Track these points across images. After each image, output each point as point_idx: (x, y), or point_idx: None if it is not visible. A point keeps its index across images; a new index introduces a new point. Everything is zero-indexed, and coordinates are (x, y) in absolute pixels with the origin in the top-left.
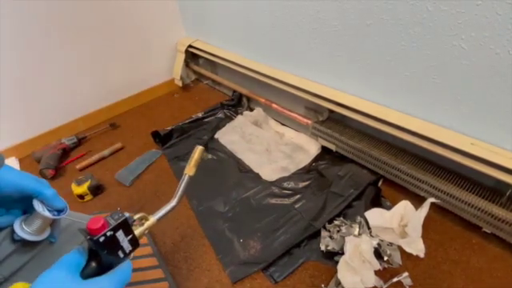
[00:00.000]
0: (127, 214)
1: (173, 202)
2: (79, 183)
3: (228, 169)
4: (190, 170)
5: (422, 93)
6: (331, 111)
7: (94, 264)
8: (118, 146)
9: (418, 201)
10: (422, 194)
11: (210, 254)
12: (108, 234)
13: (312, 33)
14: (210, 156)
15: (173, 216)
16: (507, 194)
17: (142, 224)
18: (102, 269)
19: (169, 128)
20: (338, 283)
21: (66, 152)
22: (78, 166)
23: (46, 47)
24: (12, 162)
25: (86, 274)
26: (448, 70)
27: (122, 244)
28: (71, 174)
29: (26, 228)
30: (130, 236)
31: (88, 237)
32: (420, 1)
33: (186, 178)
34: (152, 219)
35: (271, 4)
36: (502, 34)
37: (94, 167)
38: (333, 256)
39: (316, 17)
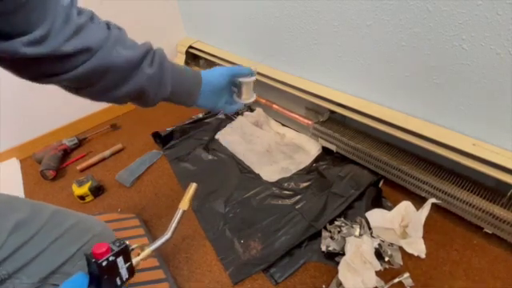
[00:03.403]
0: (128, 242)
1: (167, 235)
2: (80, 184)
3: (228, 169)
4: (184, 204)
5: (422, 93)
6: (332, 112)
7: None
8: (118, 146)
9: (418, 201)
10: (423, 194)
11: (210, 255)
12: (110, 258)
13: (312, 33)
14: (210, 157)
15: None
16: (508, 194)
17: (138, 254)
18: None
19: (169, 129)
20: (339, 284)
21: (66, 153)
22: (79, 167)
23: None
24: (13, 163)
25: None
26: (448, 70)
27: (120, 271)
28: (72, 175)
29: (245, 97)
30: (128, 264)
31: (93, 260)
32: (420, 1)
33: (180, 213)
34: (147, 250)
35: (271, 5)
36: (502, 34)
37: (94, 168)
38: (334, 257)
39: (316, 17)
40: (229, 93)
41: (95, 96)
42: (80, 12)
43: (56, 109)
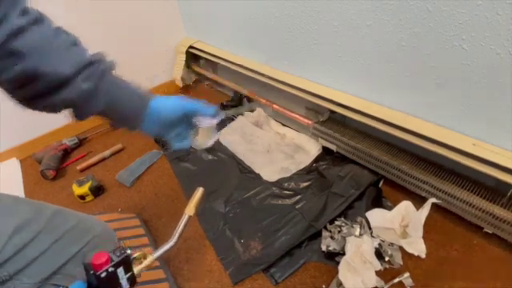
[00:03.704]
0: (129, 251)
1: (171, 242)
2: (80, 184)
3: (229, 169)
4: (190, 210)
5: (422, 93)
6: (332, 112)
7: None
8: (118, 146)
9: (419, 201)
10: (423, 194)
11: (210, 255)
12: (110, 269)
13: (312, 33)
14: (210, 157)
15: (173, 216)
16: (508, 194)
17: (141, 262)
18: None
19: None
20: (339, 284)
21: (66, 153)
22: (79, 167)
23: None
24: (13, 163)
25: None
26: (449, 70)
27: (121, 281)
28: (72, 175)
29: (200, 141)
30: (130, 274)
31: (91, 272)
32: (420, 1)
33: (185, 218)
34: (150, 258)
35: (271, 5)
36: (502, 34)
37: (94, 168)
38: (334, 256)
39: (316, 17)
40: (183, 126)
41: (23, 102)
42: (25, 12)
43: None
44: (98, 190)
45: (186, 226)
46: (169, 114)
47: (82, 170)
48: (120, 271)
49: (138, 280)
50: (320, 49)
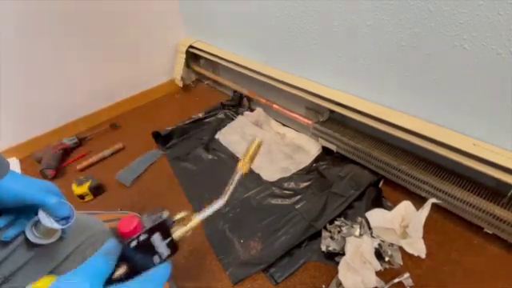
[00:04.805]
0: (166, 216)
1: (221, 201)
2: (80, 183)
3: (229, 169)
4: (244, 166)
5: (423, 93)
6: (332, 111)
7: (123, 268)
8: (118, 146)
9: (419, 201)
10: (423, 194)
11: (210, 255)
12: (141, 238)
13: (312, 33)
14: (210, 156)
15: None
16: (509, 194)
17: (184, 224)
18: (134, 273)
19: (169, 128)
20: (339, 284)
21: (66, 152)
22: (79, 167)
23: (47, 47)
24: (13, 163)
25: (115, 278)
26: (449, 70)
27: (157, 249)
28: (72, 175)
29: (36, 233)
30: (169, 240)
31: (118, 240)
32: (421, 1)
33: (238, 176)
34: (196, 219)
35: (272, 5)
36: (503, 35)
37: (94, 167)
38: (334, 257)
39: (316, 17)
40: (22, 216)
41: None
42: None
43: (56, 108)
44: (97, 190)
45: (237, 183)
46: (5, 200)
47: (82, 170)
48: (156, 238)
49: (182, 241)
50: (320, 49)
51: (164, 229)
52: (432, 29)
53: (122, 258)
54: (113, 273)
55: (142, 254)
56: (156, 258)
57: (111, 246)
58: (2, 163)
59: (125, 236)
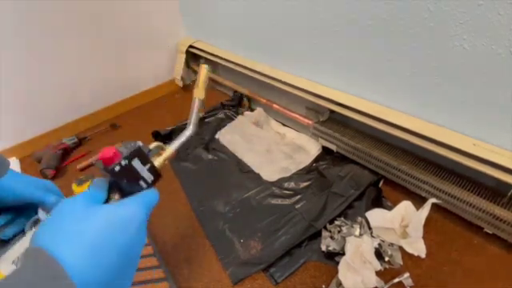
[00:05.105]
0: (140, 143)
1: (189, 131)
2: (80, 183)
3: (229, 169)
4: (198, 92)
5: (423, 93)
6: (332, 111)
7: (116, 195)
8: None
9: (419, 201)
10: (423, 194)
11: (210, 255)
12: (123, 163)
13: (312, 33)
14: (210, 156)
15: (173, 216)
16: (509, 194)
17: (160, 154)
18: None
19: (169, 128)
20: (339, 284)
21: (66, 152)
22: (79, 166)
23: (47, 47)
24: (12, 162)
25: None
26: (449, 70)
27: (141, 174)
28: (72, 174)
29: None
30: (149, 165)
31: (102, 167)
32: (421, 1)
33: (196, 103)
34: (169, 149)
35: (272, 4)
36: (503, 35)
37: (94, 167)
38: (334, 256)
39: (316, 17)
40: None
41: None
42: None
43: (56, 108)
44: None
45: (198, 111)
46: (4, 199)
47: (82, 170)
48: (136, 163)
49: (162, 169)
50: (320, 49)
51: (142, 155)
52: (432, 29)
53: (112, 188)
54: (106, 200)
55: (128, 179)
56: (142, 183)
57: (97, 180)
58: (2, 162)
59: (107, 162)
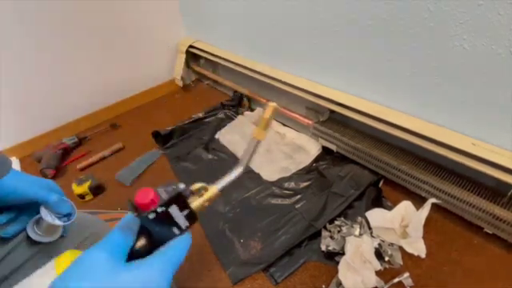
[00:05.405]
0: (182, 187)
1: (239, 169)
2: (80, 183)
3: (228, 169)
4: (260, 134)
5: (423, 93)
6: (332, 111)
7: (143, 241)
8: (118, 146)
9: (419, 201)
10: (423, 194)
11: (210, 255)
12: (159, 210)
13: (312, 33)
14: (210, 156)
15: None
16: (508, 194)
17: (202, 195)
18: (154, 246)
19: (169, 128)
20: (339, 283)
21: (66, 152)
22: (79, 166)
23: (47, 48)
24: (13, 162)
25: (135, 252)
26: (449, 70)
27: (176, 220)
28: (72, 174)
29: (37, 231)
30: (187, 211)
31: (135, 213)
32: (421, 1)
33: (254, 143)
34: (214, 189)
35: (272, 4)
36: (503, 34)
37: (94, 167)
38: (333, 256)
39: (316, 17)
40: (24, 213)
41: None
42: None
43: (56, 108)
44: (97, 189)
45: (255, 151)
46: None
47: (82, 169)
48: (173, 209)
49: (200, 211)
50: (320, 49)
51: (181, 200)
52: (432, 29)
53: (142, 232)
54: (133, 246)
55: (161, 227)
56: (175, 230)
57: (128, 219)
58: (4, 162)
59: (142, 208)
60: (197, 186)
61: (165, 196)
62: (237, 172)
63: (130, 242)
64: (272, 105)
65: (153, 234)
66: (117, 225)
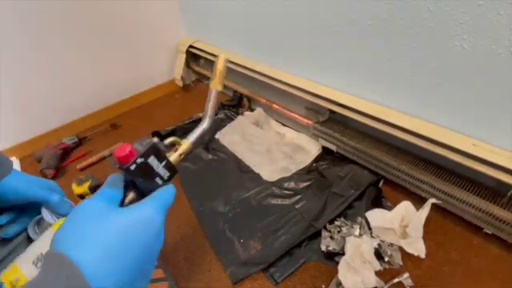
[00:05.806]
0: (156, 140)
1: (204, 124)
2: (80, 183)
3: (228, 169)
4: (215, 84)
5: (423, 93)
6: (332, 112)
7: (132, 195)
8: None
9: (418, 201)
10: (423, 194)
11: (210, 255)
12: (138, 161)
13: (312, 33)
14: (210, 156)
15: (173, 215)
16: (508, 194)
17: (176, 150)
18: (142, 197)
19: (169, 128)
20: (339, 284)
21: (66, 152)
22: (79, 166)
23: (47, 47)
24: (13, 162)
25: (125, 204)
26: (449, 70)
27: (157, 170)
28: (72, 174)
29: (38, 231)
30: (165, 162)
31: (117, 166)
32: (421, 1)
33: (213, 94)
34: (186, 143)
35: (272, 4)
36: (503, 35)
37: (94, 167)
38: (333, 256)
39: (316, 17)
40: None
41: None
42: None
43: (56, 107)
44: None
45: (215, 104)
46: (8, 198)
47: (82, 169)
48: (152, 160)
49: (177, 165)
50: (320, 49)
51: (158, 152)
52: (432, 29)
53: (129, 187)
54: (123, 200)
55: (144, 177)
56: (158, 180)
57: (112, 177)
58: (5, 162)
59: (122, 161)
60: (170, 139)
61: (141, 149)
62: (203, 125)
63: (120, 193)
64: (222, 56)
65: (139, 186)
66: (104, 183)
